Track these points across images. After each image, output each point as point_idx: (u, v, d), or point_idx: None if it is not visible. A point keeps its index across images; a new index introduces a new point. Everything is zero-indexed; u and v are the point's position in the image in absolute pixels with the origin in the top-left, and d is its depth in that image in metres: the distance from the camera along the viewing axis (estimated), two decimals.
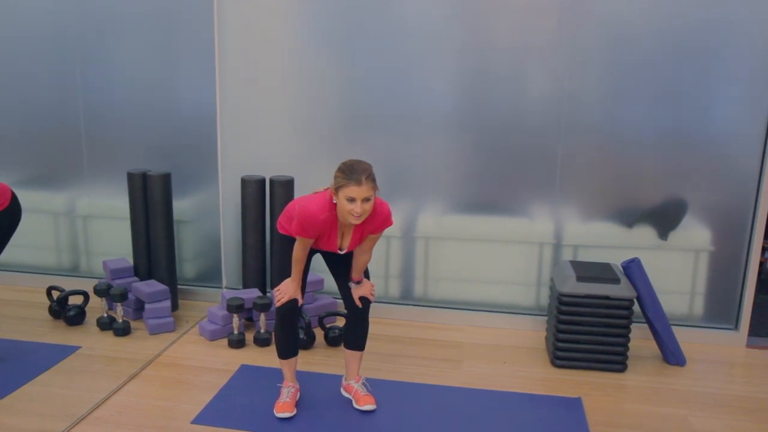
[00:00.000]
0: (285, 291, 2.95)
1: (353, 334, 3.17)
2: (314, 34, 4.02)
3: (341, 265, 3.08)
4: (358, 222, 2.73)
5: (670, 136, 3.79)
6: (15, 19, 4.30)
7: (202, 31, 4.06)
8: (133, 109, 4.28)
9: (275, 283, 3.01)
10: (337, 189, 2.71)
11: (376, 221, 2.84)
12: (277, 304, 2.97)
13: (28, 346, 3.70)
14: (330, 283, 4.19)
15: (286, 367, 3.13)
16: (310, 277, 3.98)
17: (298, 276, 2.95)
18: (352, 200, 2.67)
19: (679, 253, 3.93)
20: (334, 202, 2.75)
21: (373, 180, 2.71)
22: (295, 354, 3.12)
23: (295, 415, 3.05)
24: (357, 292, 3.06)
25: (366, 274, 3.10)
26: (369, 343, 3.22)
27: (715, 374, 3.60)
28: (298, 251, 2.89)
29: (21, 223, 3.50)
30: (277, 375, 3.25)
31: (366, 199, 2.67)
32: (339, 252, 2.94)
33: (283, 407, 3.05)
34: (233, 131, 4.17)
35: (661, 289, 3.76)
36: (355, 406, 3.12)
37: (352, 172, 2.67)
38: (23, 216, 3.52)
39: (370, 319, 3.18)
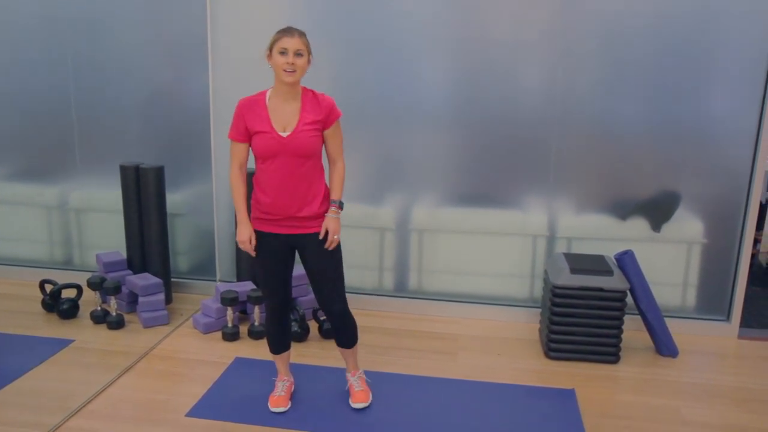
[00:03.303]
0: (241, 240, 2.81)
1: (337, 334, 3.05)
2: (308, 26, 3.99)
3: (312, 263, 2.88)
4: (292, 79, 2.66)
5: (663, 129, 3.80)
6: (4, 8, 4.27)
7: (196, 22, 4.04)
8: (126, 102, 4.27)
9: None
10: (271, 48, 2.69)
11: (322, 109, 2.77)
12: (241, 247, 2.84)
13: (21, 339, 3.69)
14: None
15: (279, 361, 3.13)
16: (304, 270, 4.00)
17: (243, 212, 2.82)
18: (284, 53, 2.65)
19: (672, 246, 3.95)
20: (270, 65, 2.71)
21: (306, 40, 2.71)
22: (286, 349, 3.11)
23: (289, 408, 3.06)
24: (325, 224, 2.83)
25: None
26: (364, 336, 3.23)
27: (707, 365, 3.62)
28: (233, 168, 2.82)
29: (14, 217, 3.48)
30: (271, 367, 3.25)
31: (298, 54, 2.66)
32: (281, 136, 2.70)
33: (278, 401, 3.05)
34: (226, 123, 4.13)
35: (654, 280, 3.78)
36: (350, 402, 3.12)
37: (285, 27, 2.71)
38: (16, 209, 3.50)
39: (365, 312, 3.19)
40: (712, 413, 3.12)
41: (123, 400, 3.12)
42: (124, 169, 4.08)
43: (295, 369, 3.29)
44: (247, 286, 3.97)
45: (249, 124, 2.77)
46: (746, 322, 4.01)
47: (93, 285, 3.91)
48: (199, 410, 3.05)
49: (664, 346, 3.67)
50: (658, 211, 3.92)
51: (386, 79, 3.96)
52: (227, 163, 4.15)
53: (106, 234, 4.47)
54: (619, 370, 3.51)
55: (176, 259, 4.43)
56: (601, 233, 3.97)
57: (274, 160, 2.74)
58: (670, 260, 3.96)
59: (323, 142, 2.84)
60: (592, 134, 3.87)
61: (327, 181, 2.90)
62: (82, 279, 4.14)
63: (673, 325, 3.80)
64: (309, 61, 2.74)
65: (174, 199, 4.31)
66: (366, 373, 3.28)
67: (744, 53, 3.64)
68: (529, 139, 3.90)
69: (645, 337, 3.81)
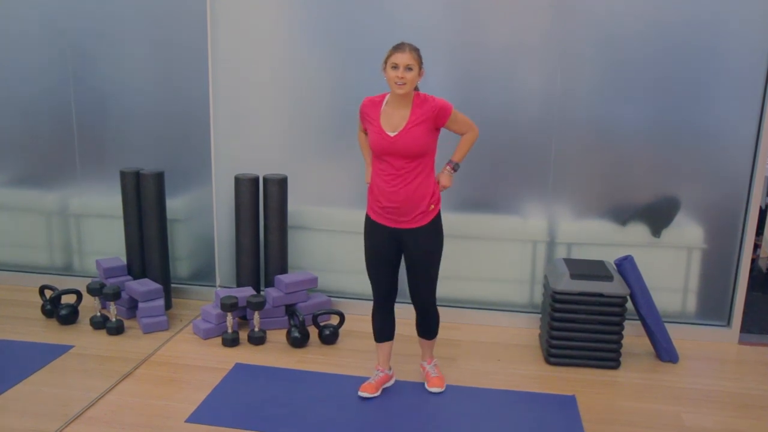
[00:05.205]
0: (368, 181, 3.13)
1: (419, 324, 3.28)
2: (307, 32, 4.02)
3: (409, 256, 3.10)
4: (402, 92, 2.86)
5: (662, 134, 3.80)
6: (5, 15, 4.28)
7: (196, 28, 4.05)
8: (126, 108, 4.27)
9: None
10: (385, 62, 2.88)
11: (431, 108, 2.92)
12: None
13: (20, 345, 3.69)
14: (324, 281, 4.20)
15: (380, 350, 3.27)
16: (304, 276, 4.00)
17: (368, 162, 3.17)
18: (395, 67, 2.84)
19: (672, 251, 3.95)
20: (384, 77, 2.91)
21: (418, 54, 2.88)
22: (389, 338, 3.26)
23: (287, 413, 3.06)
24: (437, 175, 3.11)
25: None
26: (363, 341, 3.24)
27: (707, 371, 3.61)
28: (359, 133, 3.19)
29: (14, 222, 3.48)
30: (271, 374, 3.24)
31: (408, 68, 2.83)
32: (389, 135, 2.92)
33: (366, 388, 3.19)
34: (227, 129, 4.16)
35: (654, 286, 3.77)
36: (426, 386, 3.29)
37: (398, 43, 2.89)
38: (16, 215, 3.50)
39: (365, 318, 3.19)
40: (712, 419, 3.11)
41: (122, 406, 3.12)
42: (124, 175, 4.08)
43: (295, 374, 3.28)
44: (247, 292, 3.97)
45: (365, 122, 3.04)
46: (746, 328, 4.01)
47: (93, 291, 3.90)
48: (198, 416, 3.04)
49: (664, 352, 3.67)
50: (657, 216, 3.92)
51: (385, 84, 3.96)
52: (227, 169, 4.17)
53: (106, 240, 4.46)
54: (619, 376, 3.50)
55: (176, 265, 4.43)
56: (601, 238, 3.97)
57: (384, 158, 2.96)
58: (670, 265, 3.95)
59: (435, 139, 2.99)
60: (591, 139, 3.87)
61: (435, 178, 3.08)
62: (81, 285, 4.14)
63: (674, 331, 3.79)
64: (420, 74, 2.92)
65: (174, 204, 4.31)
66: (365, 378, 3.28)
67: (743, 58, 3.65)
68: (529, 144, 3.91)
69: (645, 343, 3.81)
